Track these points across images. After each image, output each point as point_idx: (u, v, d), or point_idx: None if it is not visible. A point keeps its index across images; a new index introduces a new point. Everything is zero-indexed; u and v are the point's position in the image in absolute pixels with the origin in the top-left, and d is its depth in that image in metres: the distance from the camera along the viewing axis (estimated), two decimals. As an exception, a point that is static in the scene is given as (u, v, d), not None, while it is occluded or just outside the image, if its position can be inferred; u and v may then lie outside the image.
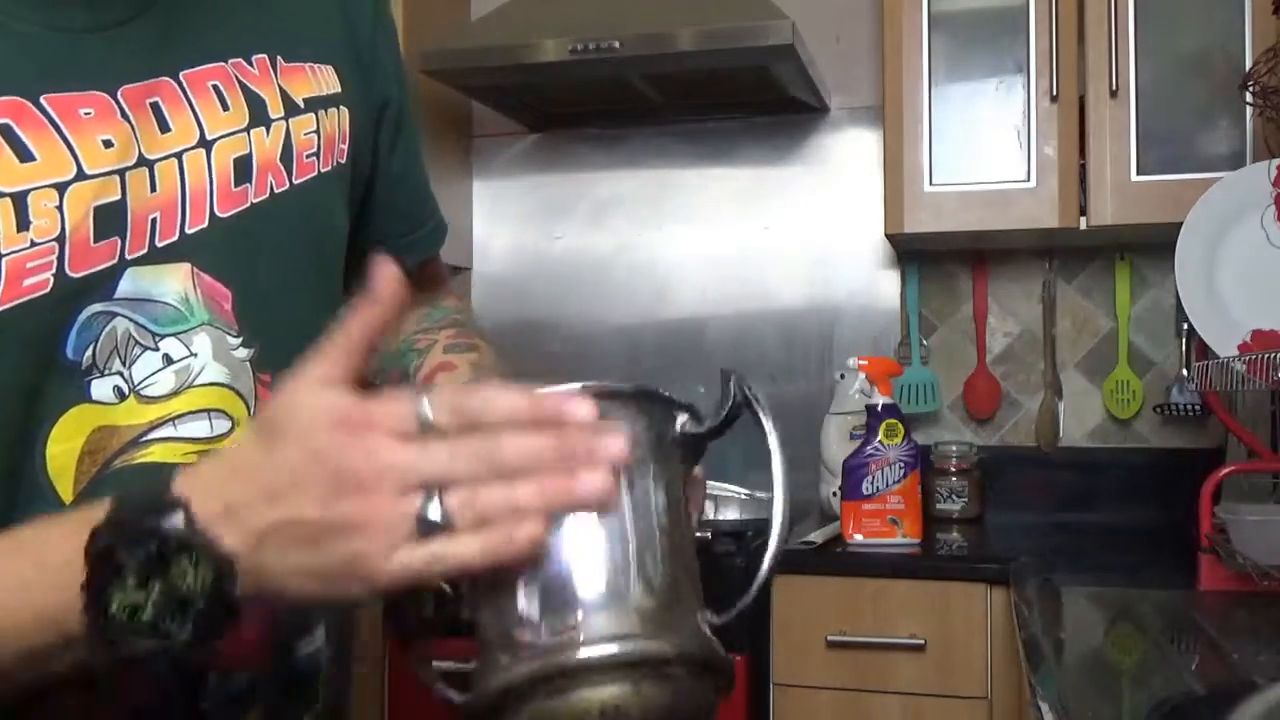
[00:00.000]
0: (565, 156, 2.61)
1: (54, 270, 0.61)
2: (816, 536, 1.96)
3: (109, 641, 0.52)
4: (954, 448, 2.26)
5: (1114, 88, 2.00)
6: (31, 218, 0.60)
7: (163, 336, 0.66)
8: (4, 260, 0.59)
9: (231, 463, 0.54)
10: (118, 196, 0.63)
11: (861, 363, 2.15)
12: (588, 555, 0.55)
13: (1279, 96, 1.71)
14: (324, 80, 0.77)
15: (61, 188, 0.61)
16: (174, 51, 0.68)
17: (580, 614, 0.54)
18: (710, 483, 2.08)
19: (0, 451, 0.61)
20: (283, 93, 0.73)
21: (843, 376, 2.23)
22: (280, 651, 0.73)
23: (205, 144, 0.68)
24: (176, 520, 0.52)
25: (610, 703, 0.53)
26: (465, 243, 2.63)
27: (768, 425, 0.69)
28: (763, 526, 2.04)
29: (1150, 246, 2.27)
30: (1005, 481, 2.34)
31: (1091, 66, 2.02)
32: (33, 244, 0.60)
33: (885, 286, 2.45)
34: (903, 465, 1.96)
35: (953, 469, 2.25)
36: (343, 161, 0.78)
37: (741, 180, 2.53)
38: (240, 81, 0.71)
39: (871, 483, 1.95)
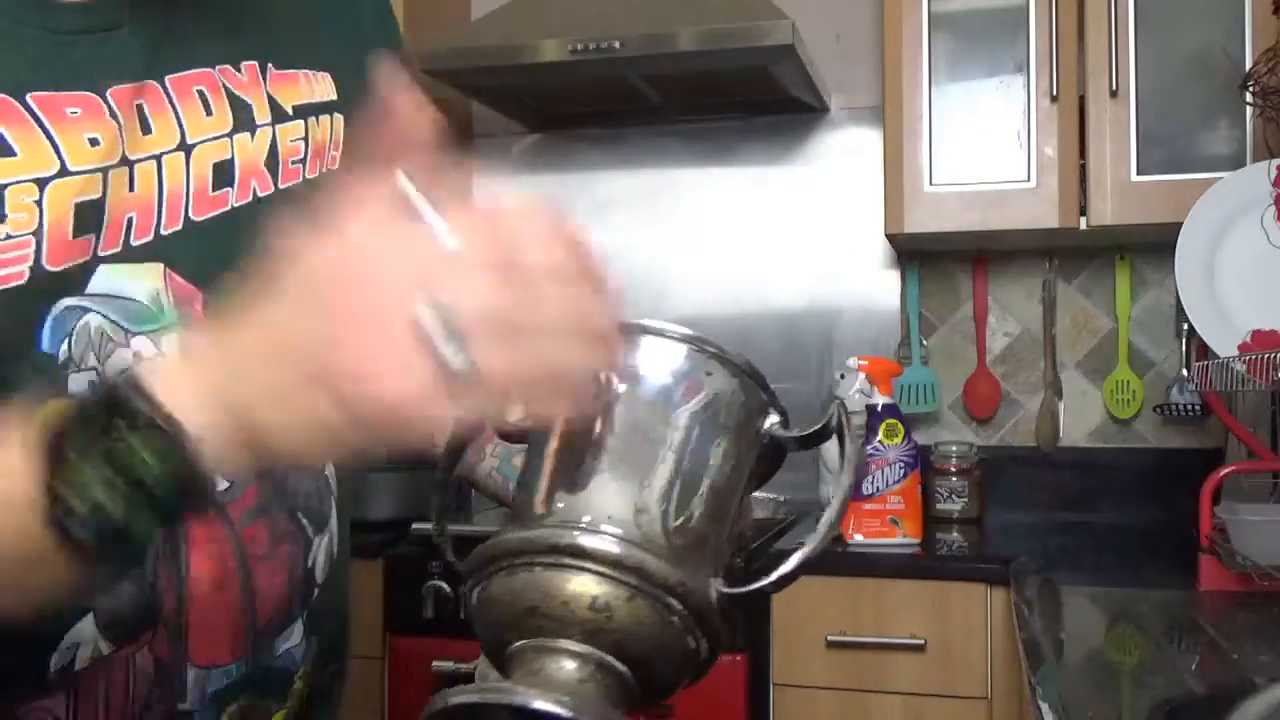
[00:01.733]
0: (565, 156, 2.61)
1: (30, 263, 0.61)
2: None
3: (65, 532, 0.49)
4: (954, 448, 2.26)
5: (1114, 88, 2.00)
6: (8, 211, 0.61)
7: (134, 334, 0.66)
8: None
9: (200, 339, 0.52)
10: (99, 194, 0.64)
11: (861, 363, 2.15)
12: (634, 459, 0.54)
13: (1279, 96, 1.71)
14: (317, 87, 0.77)
15: (42, 183, 0.62)
16: (162, 56, 0.68)
17: (603, 505, 0.53)
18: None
19: None
20: (271, 99, 0.73)
21: (843, 376, 2.23)
22: (258, 649, 0.73)
23: (185, 148, 0.68)
24: (129, 393, 0.49)
25: (603, 599, 0.51)
26: (465, 243, 2.63)
27: (850, 450, 0.65)
28: (765, 526, 2.04)
29: (1150, 246, 2.27)
30: (1005, 481, 2.34)
31: (1091, 66, 2.02)
32: (9, 236, 0.61)
33: (885, 286, 2.45)
34: (903, 465, 1.96)
35: (953, 469, 2.25)
36: (334, 168, 0.78)
37: (741, 180, 2.53)
38: (226, 88, 0.71)
39: (871, 483, 1.95)
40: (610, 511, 0.52)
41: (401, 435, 0.48)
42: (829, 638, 1.86)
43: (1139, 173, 2.01)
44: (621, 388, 0.55)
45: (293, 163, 0.74)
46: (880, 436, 1.97)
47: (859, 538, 1.95)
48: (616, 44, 2.06)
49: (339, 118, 0.78)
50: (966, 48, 2.14)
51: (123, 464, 0.49)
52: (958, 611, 1.82)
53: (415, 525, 1.99)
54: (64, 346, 0.64)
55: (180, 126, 0.68)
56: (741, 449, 0.60)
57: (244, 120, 0.71)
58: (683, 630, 0.55)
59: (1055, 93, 2.04)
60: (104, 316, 0.65)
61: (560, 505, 0.53)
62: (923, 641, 1.82)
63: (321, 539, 0.78)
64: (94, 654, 0.65)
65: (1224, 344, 1.66)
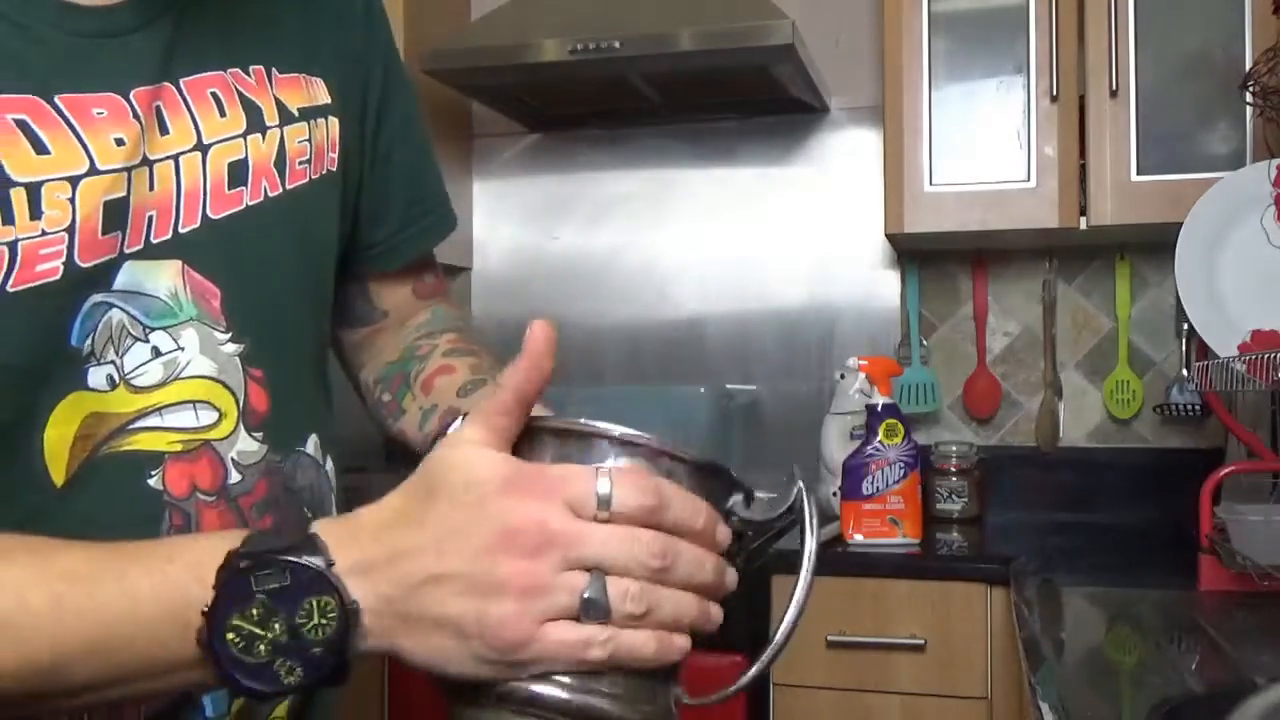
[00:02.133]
0: (565, 156, 2.61)
1: (64, 259, 0.63)
2: (816, 536, 1.96)
3: (219, 668, 0.52)
4: (954, 448, 2.26)
5: (1114, 88, 2.00)
6: (44, 208, 0.62)
7: (153, 329, 0.68)
8: (20, 245, 0.62)
9: (383, 516, 0.55)
10: (124, 193, 0.66)
11: (861, 363, 2.15)
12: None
13: (1279, 96, 1.71)
14: (316, 92, 0.79)
15: (74, 181, 0.64)
16: (177, 60, 0.70)
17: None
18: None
19: (2, 432, 0.63)
20: (278, 102, 0.76)
21: (843, 376, 2.23)
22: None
23: (201, 148, 0.70)
24: (315, 560, 0.53)
25: None
26: (465, 243, 2.64)
27: (810, 544, 0.68)
28: (764, 528, 2.03)
29: (1150, 246, 2.27)
30: (1005, 481, 2.34)
31: (1091, 66, 2.02)
32: (44, 233, 0.62)
33: (885, 286, 2.45)
34: (903, 465, 1.96)
35: (953, 469, 2.25)
36: (333, 169, 0.80)
37: (741, 180, 2.53)
38: (238, 90, 0.73)
39: (871, 483, 1.95)
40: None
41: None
42: (829, 638, 1.86)
43: (1139, 173, 2.01)
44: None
45: (300, 163, 0.77)
46: (880, 436, 1.97)
47: (859, 538, 1.95)
48: (616, 44, 2.06)
49: (334, 121, 0.81)
50: (966, 48, 2.14)
51: (296, 626, 0.52)
52: (958, 611, 1.82)
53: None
54: (89, 341, 0.66)
55: (196, 127, 0.70)
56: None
57: (255, 121, 0.74)
58: None
59: (1055, 93, 2.04)
60: (125, 312, 0.67)
61: None
62: (923, 641, 1.83)
63: None
64: None
65: (1224, 344, 1.66)
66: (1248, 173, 1.78)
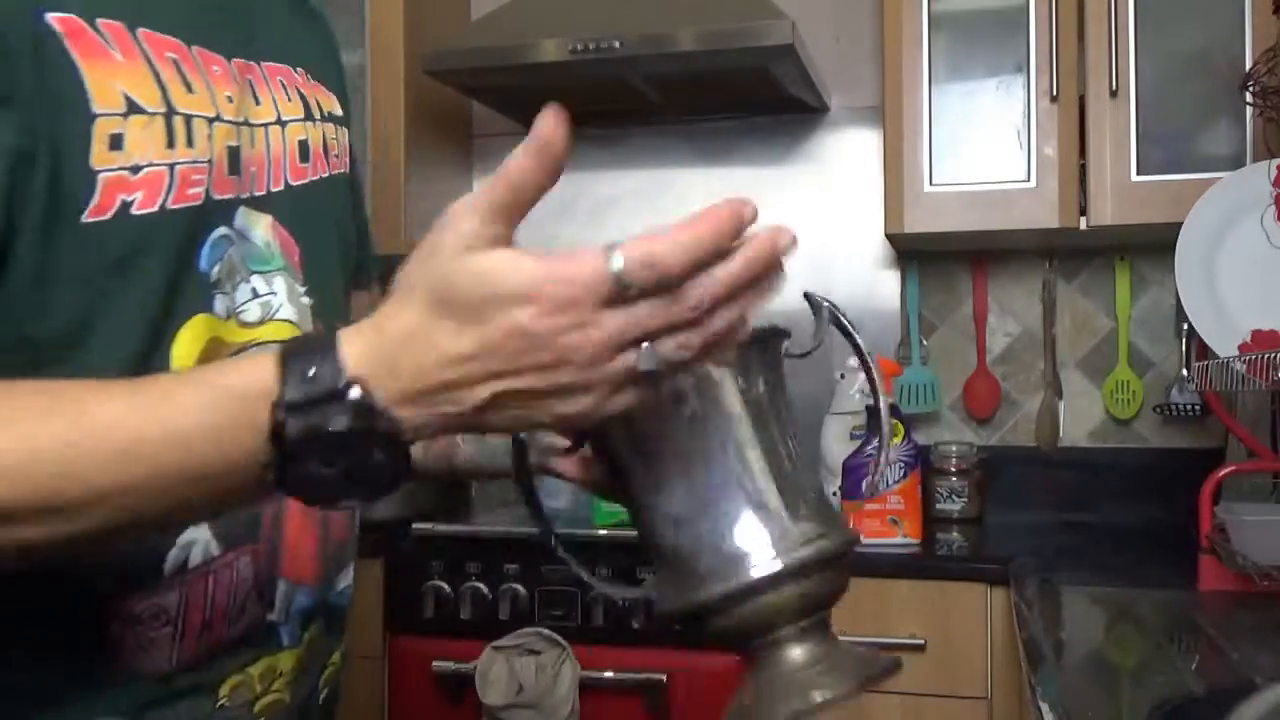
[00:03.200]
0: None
1: (204, 187, 0.71)
2: (816, 536, 1.96)
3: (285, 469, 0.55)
4: (954, 448, 2.26)
5: (1114, 88, 2.00)
6: (195, 139, 0.70)
7: (253, 272, 0.75)
8: (178, 169, 0.68)
9: (419, 341, 0.54)
10: (237, 143, 0.74)
11: (862, 363, 2.15)
12: (771, 478, 0.67)
13: (1279, 96, 1.71)
14: (335, 104, 0.90)
15: (210, 121, 0.72)
16: (257, 46, 0.80)
17: (777, 527, 0.65)
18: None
19: (145, 341, 0.67)
20: (316, 102, 0.86)
21: (843, 376, 2.23)
22: (329, 578, 0.82)
23: (280, 123, 0.80)
24: (355, 409, 0.53)
25: (810, 593, 0.65)
26: (465, 243, 2.63)
27: (859, 340, 0.83)
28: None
29: (1150, 246, 2.27)
30: (1005, 481, 2.34)
31: (1091, 66, 2.02)
32: (195, 162, 0.70)
33: (885, 286, 2.45)
34: (903, 465, 1.96)
35: (953, 469, 2.25)
36: (345, 171, 0.90)
37: (741, 180, 2.53)
38: (297, 85, 0.84)
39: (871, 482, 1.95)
40: (789, 522, 0.67)
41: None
42: (829, 638, 1.86)
43: (1139, 173, 2.01)
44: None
45: (333, 156, 0.86)
46: (880, 436, 1.97)
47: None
48: (616, 44, 2.06)
49: (344, 130, 0.91)
50: (966, 48, 2.14)
51: (358, 463, 0.55)
52: (958, 611, 1.82)
53: (415, 525, 1.99)
54: (215, 269, 0.72)
55: (275, 105, 0.80)
56: (786, 392, 0.77)
57: (309, 112, 0.84)
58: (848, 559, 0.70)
59: (1055, 93, 2.04)
60: (237, 250, 0.74)
61: (760, 541, 0.65)
62: (923, 641, 1.82)
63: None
64: (205, 554, 0.72)
65: (1224, 344, 1.66)
66: (1248, 173, 1.78)
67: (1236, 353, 1.64)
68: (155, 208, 0.67)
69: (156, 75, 0.68)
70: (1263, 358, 1.57)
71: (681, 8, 2.10)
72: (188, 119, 0.69)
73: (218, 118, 0.72)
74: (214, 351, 0.71)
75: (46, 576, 0.64)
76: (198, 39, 0.72)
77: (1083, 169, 2.04)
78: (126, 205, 0.65)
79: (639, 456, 0.66)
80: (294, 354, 0.55)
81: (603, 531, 1.99)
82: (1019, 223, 2.08)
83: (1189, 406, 2.23)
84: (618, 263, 0.52)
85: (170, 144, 0.68)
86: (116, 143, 0.65)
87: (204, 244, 0.71)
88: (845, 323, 0.82)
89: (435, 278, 0.54)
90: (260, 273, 0.75)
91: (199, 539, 0.72)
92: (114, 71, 0.65)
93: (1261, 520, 1.50)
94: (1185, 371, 2.21)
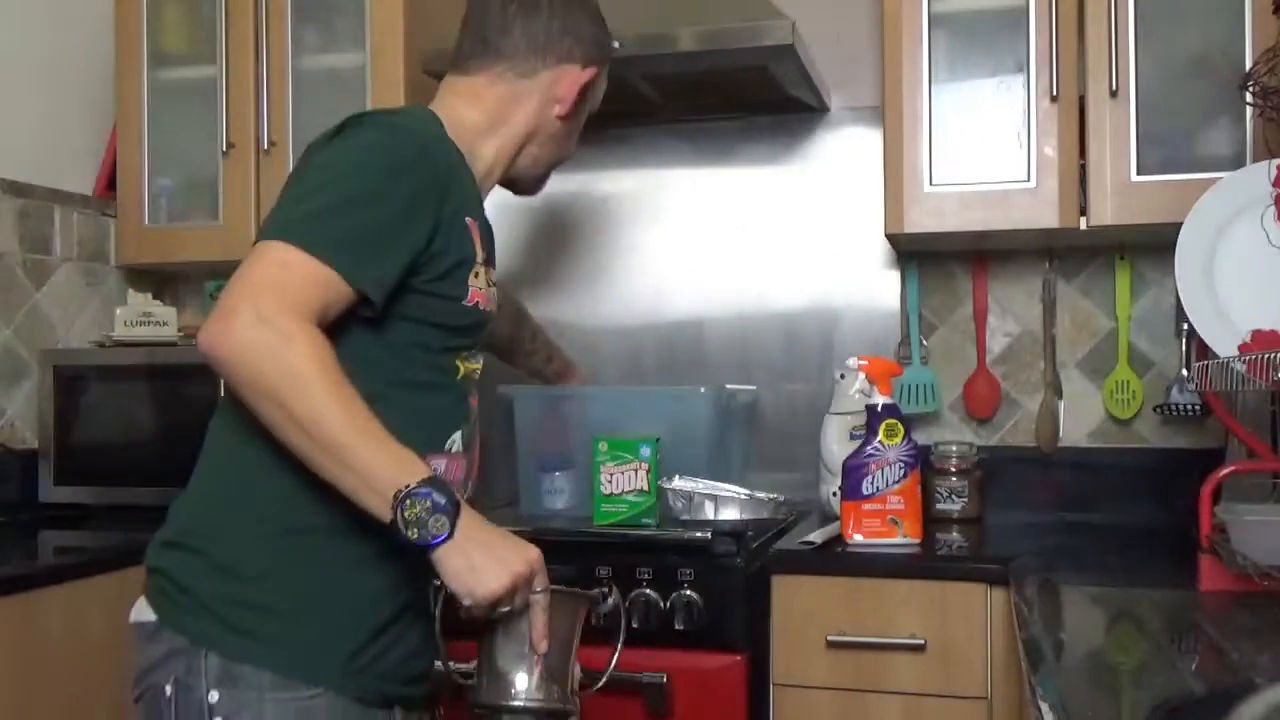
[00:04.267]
0: (565, 156, 2.60)
1: (487, 302, 1.40)
2: (816, 536, 1.96)
3: (394, 519, 1.18)
4: (954, 448, 2.27)
5: (1114, 88, 2.00)
6: (491, 283, 1.42)
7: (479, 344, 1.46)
8: (489, 293, 1.41)
9: (483, 528, 1.25)
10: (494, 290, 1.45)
11: (861, 363, 2.15)
12: (544, 662, 1.31)
13: (1279, 96, 1.71)
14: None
15: (485, 263, 1.40)
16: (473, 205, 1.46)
17: (536, 680, 1.31)
18: (710, 483, 2.08)
19: (460, 352, 1.40)
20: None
21: (843, 376, 2.23)
22: (470, 491, 1.45)
23: (493, 285, 1.48)
24: (451, 506, 1.20)
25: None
26: (465, 243, 2.64)
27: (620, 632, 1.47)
28: (764, 526, 2.04)
29: (1150, 246, 2.27)
30: (1005, 481, 2.34)
31: (1091, 66, 2.02)
32: (487, 285, 1.40)
33: (885, 286, 2.45)
34: (903, 465, 1.96)
35: (953, 469, 2.25)
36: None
37: (741, 180, 2.53)
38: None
39: (871, 483, 1.95)
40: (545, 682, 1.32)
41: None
42: (829, 638, 1.86)
43: (1139, 173, 2.01)
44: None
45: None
46: (880, 436, 1.97)
47: (859, 537, 1.95)
48: (616, 44, 2.05)
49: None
50: (966, 48, 2.14)
51: (427, 523, 1.20)
52: (958, 611, 1.82)
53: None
54: (478, 340, 1.44)
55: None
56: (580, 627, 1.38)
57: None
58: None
59: (1055, 93, 2.04)
60: (482, 336, 1.46)
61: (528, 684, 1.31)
62: (923, 641, 1.83)
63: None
64: (459, 446, 1.40)
65: (1224, 344, 1.66)
66: (1248, 173, 1.78)
67: (1236, 353, 1.64)
68: (486, 308, 1.40)
69: (488, 252, 1.41)
70: (1263, 358, 1.57)
71: (681, 8, 2.10)
72: (491, 272, 1.42)
73: (486, 261, 1.41)
74: (468, 368, 1.43)
75: (398, 428, 1.23)
76: (474, 211, 1.41)
77: (1083, 169, 2.04)
78: (477, 304, 1.38)
79: (501, 624, 1.31)
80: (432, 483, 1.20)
81: (603, 531, 1.99)
82: (1019, 223, 2.08)
83: (1189, 406, 2.23)
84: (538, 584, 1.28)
85: (488, 281, 1.40)
86: (476, 275, 1.37)
87: (484, 328, 1.44)
88: (615, 601, 1.51)
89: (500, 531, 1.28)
90: (481, 347, 1.49)
91: (457, 439, 1.39)
92: (479, 244, 1.38)
93: (1261, 520, 1.50)
94: (1185, 371, 2.21)
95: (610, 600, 1.49)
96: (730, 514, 2.04)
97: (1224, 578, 1.52)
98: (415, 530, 1.17)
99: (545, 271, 2.62)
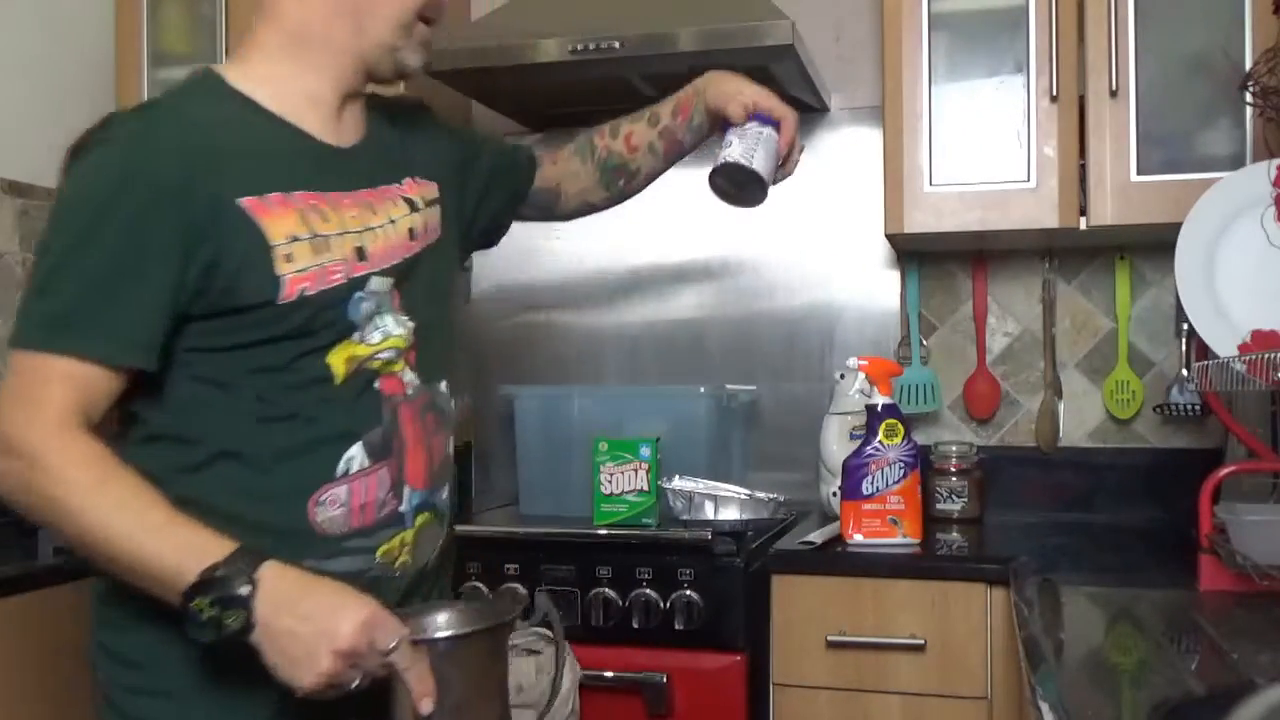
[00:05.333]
0: (565, 156, 2.60)
1: (344, 273, 1.20)
2: (816, 536, 1.96)
3: (182, 611, 1.04)
4: (954, 448, 2.27)
5: (1114, 88, 2.00)
6: (331, 248, 1.19)
7: (381, 314, 1.23)
8: (326, 265, 1.18)
9: (299, 587, 1.08)
10: (362, 243, 1.22)
11: (861, 363, 2.15)
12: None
13: (1279, 96, 1.71)
14: (433, 190, 1.35)
15: (341, 235, 1.20)
16: (374, 176, 1.28)
17: None
18: (710, 483, 2.08)
19: (312, 354, 1.18)
20: (421, 197, 1.32)
21: (843, 376, 2.23)
22: (433, 488, 1.29)
23: (392, 222, 1.27)
24: (245, 591, 1.04)
25: None
26: (465, 243, 2.64)
27: (560, 640, 1.33)
28: (764, 526, 2.04)
29: (1150, 246, 2.27)
30: (1005, 481, 2.34)
31: (1091, 66, 2.02)
32: (333, 260, 1.19)
33: (885, 286, 2.45)
34: (903, 465, 1.96)
35: (953, 469, 2.25)
36: (440, 235, 1.35)
37: (741, 180, 2.53)
38: (402, 194, 1.30)
39: (871, 483, 1.95)
40: None
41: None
42: (829, 638, 1.86)
43: (1139, 173, 2.01)
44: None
45: (430, 229, 1.32)
46: (880, 436, 1.97)
47: (859, 538, 1.95)
48: (616, 44, 2.06)
49: (438, 207, 1.35)
50: (966, 48, 2.14)
51: (222, 618, 1.04)
52: (958, 611, 1.82)
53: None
54: (358, 317, 1.21)
55: (390, 212, 1.27)
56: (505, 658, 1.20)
57: (413, 207, 1.30)
58: None
59: (1055, 93, 2.04)
60: (369, 304, 1.22)
61: None
62: (923, 641, 1.83)
63: (449, 438, 1.34)
64: (360, 465, 1.20)
65: (1224, 344, 1.66)
66: (1248, 173, 1.78)
67: (1236, 353, 1.64)
68: (316, 291, 1.17)
69: (303, 216, 1.18)
70: (1263, 358, 1.57)
71: (681, 8, 2.10)
72: (325, 238, 1.19)
73: (344, 232, 1.20)
74: (352, 360, 1.20)
75: (276, 475, 1.17)
76: (335, 187, 1.22)
77: (1083, 169, 2.04)
78: (304, 290, 1.16)
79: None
80: (221, 569, 1.05)
81: (603, 531, 1.99)
82: (1019, 223, 2.08)
83: (1189, 406, 2.23)
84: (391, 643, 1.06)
85: (317, 253, 1.18)
86: (288, 258, 1.16)
87: (348, 304, 1.20)
88: (556, 623, 1.30)
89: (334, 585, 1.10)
90: (384, 313, 1.23)
91: (356, 456, 1.20)
92: (276, 220, 1.16)
93: (1261, 520, 1.50)
94: (1185, 371, 2.21)
95: (539, 613, 1.38)
96: (730, 514, 2.04)
97: (1224, 578, 1.52)
98: (210, 631, 1.03)
99: (545, 271, 2.62)
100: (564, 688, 1.81)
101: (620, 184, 1.61)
